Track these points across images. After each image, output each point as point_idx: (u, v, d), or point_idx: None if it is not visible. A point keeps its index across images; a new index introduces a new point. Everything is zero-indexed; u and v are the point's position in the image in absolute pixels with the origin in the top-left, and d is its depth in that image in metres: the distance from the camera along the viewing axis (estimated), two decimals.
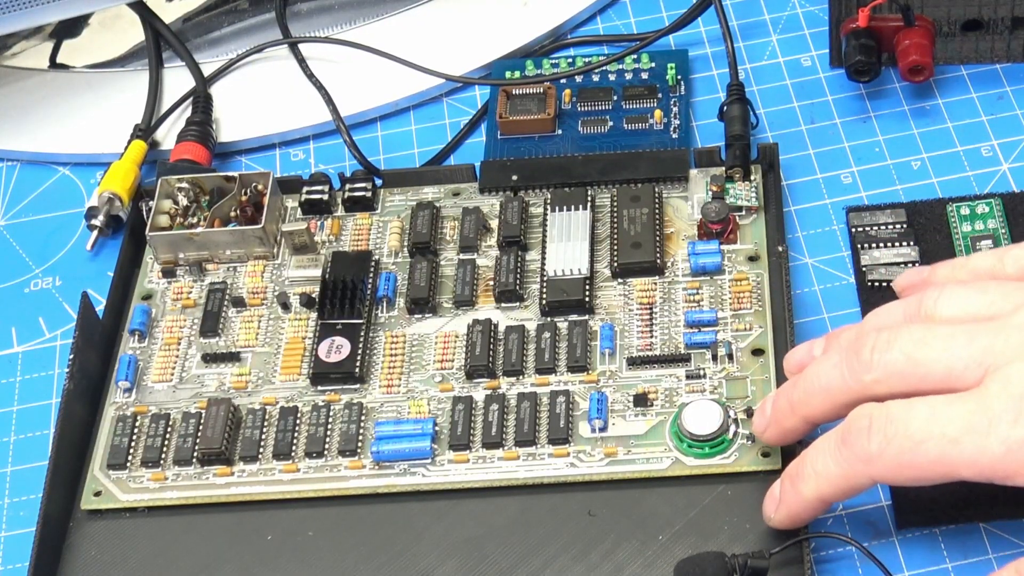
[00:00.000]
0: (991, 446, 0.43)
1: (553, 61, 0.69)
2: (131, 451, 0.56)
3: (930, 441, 0.44)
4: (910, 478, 0.45)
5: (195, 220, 0.62)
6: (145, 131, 0.69)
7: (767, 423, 0.50)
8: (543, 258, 0.59)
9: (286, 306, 0.59)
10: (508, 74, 0.69)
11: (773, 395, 0.51)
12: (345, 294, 0.58)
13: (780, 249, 0.57)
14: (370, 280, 0.59)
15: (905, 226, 0.60)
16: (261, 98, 0.71)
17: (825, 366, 0.48)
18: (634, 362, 0.55)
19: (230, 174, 0.62)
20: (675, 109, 0.66)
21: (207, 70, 0.72)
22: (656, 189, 0.60)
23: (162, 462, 0.55)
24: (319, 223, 0.62)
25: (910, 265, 0.58)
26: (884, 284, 0.57)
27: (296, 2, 0.75)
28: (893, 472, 0.45)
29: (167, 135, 0.69)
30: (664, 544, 0.51)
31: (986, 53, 0.65)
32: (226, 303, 0.60)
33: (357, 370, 0.56)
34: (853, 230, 0.60)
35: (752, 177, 0.61)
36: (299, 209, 0.63)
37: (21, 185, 0.70)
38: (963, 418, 0.44)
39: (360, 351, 0.57)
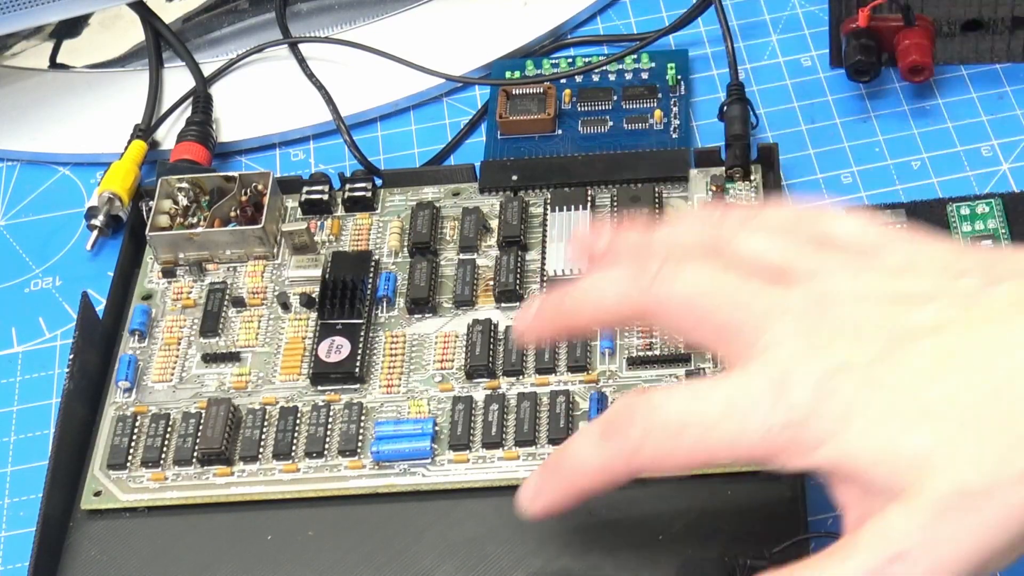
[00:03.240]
0: (749, 430, 0.41)
1: (553, 61, 0.69)
2: (131, 451, 0.56)
3: (689, 427, 0.42)
4: (673, 468, 0.43)
5: (195, 220, 0.62)
6: (145, 131, 0.69)
7: (528, 325, 0.48)
8: (543, 258, 0.59)
9: (286, 306, 0.59)
10: (508, 74, 0.69)
11: (540, 297, 0.48)
12: (345, 294, 0.58)
13: None
14: (370, 280, 0.59)
15: (905, 226, 0.60)
16: (261, 98, 0.71)
17: (606, 279, 0.45)
18: (634, 362, 0.55)
19: (230, 174, 0.62)
20: (675, 109, 0.66)
21: (207, 70, 0.72)
22: (656, 189, 0.60)
23: (162, 462, 0.55)
24: (319, 223, 0.62)
25: None
26: None
27: (296, 2, 0.75)
28: (656, 462, 0.43)
29: (167, 135, 0.69)
30: (664, 544, 0.51)
31: (986, 53, 0.65)
32: (226, 303, 0.60)
33: (357, 370, 0.56)
34: None
35: (752, 177, 0.61)
36: (299, 209, 0.63)
37: (21, 185, 0.70)
38: (722, 401, 0.41)
39: (360, 351, 0.57)
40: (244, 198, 0.62)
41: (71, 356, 0.57)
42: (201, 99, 0.69)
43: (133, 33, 0.75)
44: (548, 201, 0.61)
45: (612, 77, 0.68)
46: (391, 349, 0.57)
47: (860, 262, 0.42)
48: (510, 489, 0.53)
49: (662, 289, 0.43)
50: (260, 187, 0.62)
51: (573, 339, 0.49)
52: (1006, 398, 0.38)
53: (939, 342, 0.39)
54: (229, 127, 0.70)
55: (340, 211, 0.63)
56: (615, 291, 0.45)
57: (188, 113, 0.69)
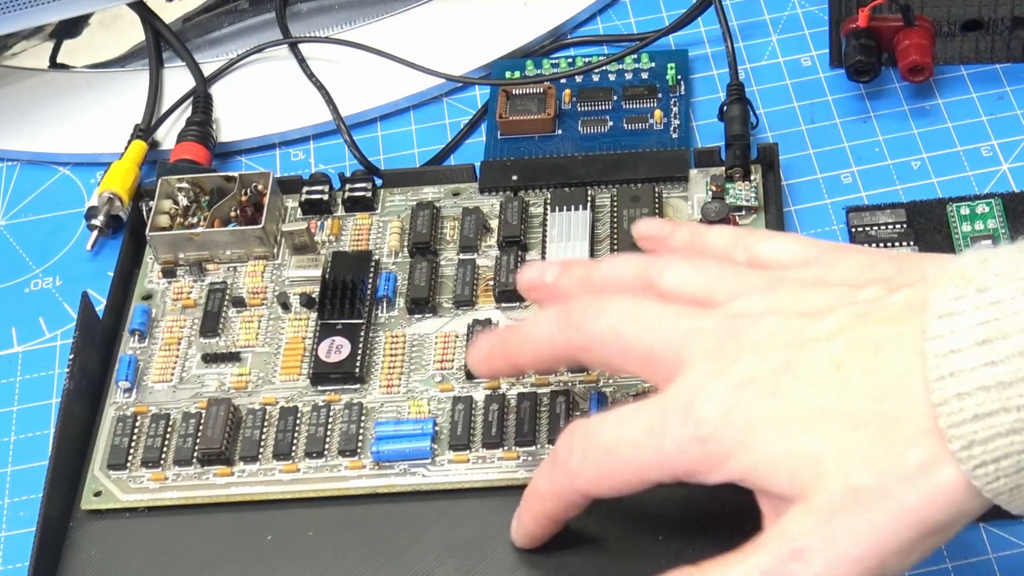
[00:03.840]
0: (666, 447, 0.43)
1: (553, 61, 0.69)
2: (131, 451, 0.56)
3: (619, 448, 0.44)
4: (612, 488, 0.46)
5: (195, 220, 0.62)
6: (145, 131, 0.69)
7: (480, 358, 0.51)
8: (543, 258, 0.59)
9: (286, 306, 0.59)
10: (508, 74, 0.69)
11: (494, 332, 0.51)
12: (345, 294, 0.58)
13: None
14: (370, 280, 0.59)
15: (905, 226, 0.60)
16: (261, 98, 0.71)
17: (541, 321, 0.48)
18: None
19: (230, 174, 0.62)
20: (675, 109, 0.66)
21: (207, 70, 0.72)
22: (656, 189, 0.60)
23: (162, 462, 0.55)
24: (319, 223, 0.62)
25: None
26: None
27: (296, 2, 0.75)
28: (595, 484, 0.46)
29: (167, 135, 0.69)
30: (664, 544, 0.51)
31: (986, 53, 0.66)
32: (226, 303, 0.60)
33: (357, 370, 0.56)
34: (853, 230, 0.60)
35: (752, 177, 0.61)
36: (299, 209, 0.63)
37: (21, 185, 0.70)
38: (646, 421, 0.44)
39: (360, 351, 0.57)
40: (244, 198, 0.62)
41: (71, 356, 0.57)
42: (201, 99, 0.69)
43: (133, 33, 0.75)
44: (548, 201, 0.61)
45: (612, 77, 0.68)
46: (391, 349, 0.57)
47: (776, 280, 0.45)
48: (510, 489, 0.53)
49: (588, 326, 0.46)
50: (260, 187, 0.62)
51: (516, 375, 0.54)
52: (895, 396, 0.40)
53: (834, 348, 0.41)
54: (229, 127, 0.70)
55: (340, 211, 0.63)
56: (548, 333, 0.47)
57: (188, 113, 0.69)
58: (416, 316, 0.58)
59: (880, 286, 0.42)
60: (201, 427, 0.56)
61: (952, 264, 0.41)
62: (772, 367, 0.42)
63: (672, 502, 0.52)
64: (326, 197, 0.62)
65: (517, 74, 0.69)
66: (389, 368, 0.57)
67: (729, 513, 0.51)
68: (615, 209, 0.60)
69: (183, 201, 0.62)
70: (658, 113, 0.66)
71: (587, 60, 0.68)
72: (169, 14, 0.75)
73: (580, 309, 0.46)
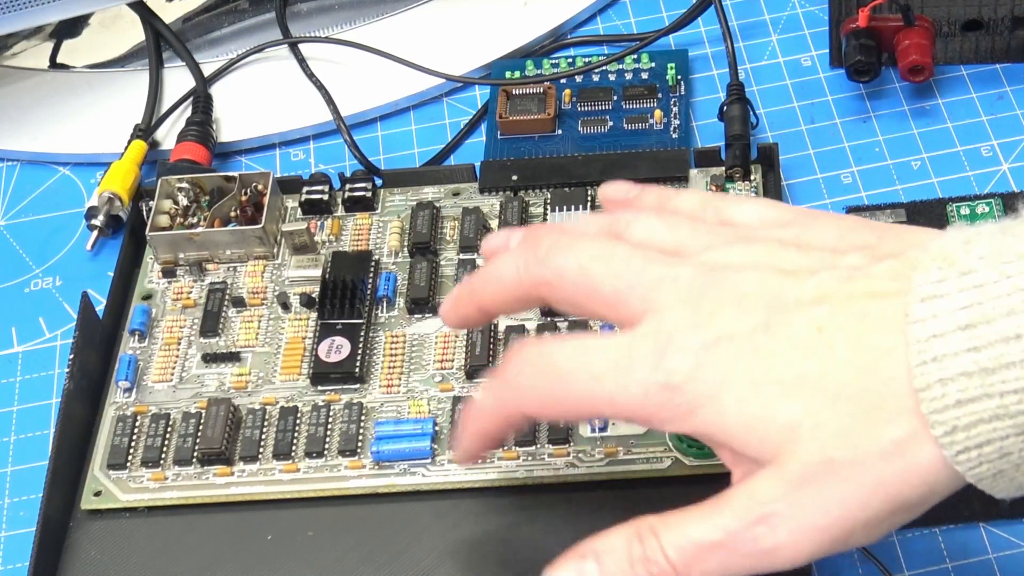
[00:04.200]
0: (630, 387, 0.42)
1: (553, 61, 0.69)
2: (131, 451, 0.56)
3: (575, 375, 0.43)
4: (559, 413, 0.45)
5: (195, 220, 0.62)
6: (145, 131, 0.69)
7: (448, 307, 0.49)
8: None
9: (286, 306, 0.59)
10: (508, 74, 0.69)
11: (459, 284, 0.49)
12: (345, 294, 0.58)
13: None
14: (370, 280, 0.59)
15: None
16: (261, 98, 0.71)
17: (506, 257, 0.46)
18: None
19: (230, 174, 0.62)
20: (675, 109, 0.66)
21: (207, 70, 0.72)
22: None
23: (162, 462, 0.55)
24: (319, 223, 0.62)
25: None
26: None
27: (296, 2, 0.75)
28: (541, 406, 0.44)
29: (167, 135, 0.69)
30: None
31: (986, 53, 0.66)
32: (226, 303, 0.60)
33: (357, 370, 0.56)
34: None
35: (752, 177, 0.61)
36: (299, 209, 0.63)
37: (21, 185, 0.70)
38: (610, 356, 0.42)
39: (360, 351, 0.57)
40: (244, 198, 0.62)
41: (71, 356, 0.57)
42: (201, 99, 0.69)
43: (133, 33, 0.75)
44: (548, 201, 0.61)
45: (612, 77, 0.68)
46: (391, 349, 0.57)
47: (752, 237, 0.44)
48: (510, 489, 0.53)
49: (555, 261, 0.44)
50: (260, 187, 0.62)
51: (490, 320, 0.51)
52: (878, 374, 0.39)
53: (817, 314, 0.40)
54: (229, 127, 0.70)
55: (340, 211, 0.63)
56: (513, 268, 0.46)
57: (188, 113, 0.69)
58: (416, 316, 0.58)
59: (863, 253, 0.42)
60: (201, 427, 0.56)
61: (934, 243, 0.40)
62: (751, 325, 0.41)
63: (673, 503, 0.52)
64: (326, 197, 0.62)
65: (517, 74, 0.69)
66: (389, 368, 0.57)
67: None
68: None
69: (183, 201, 0.62)
70: (658, 113, 0.66)
71: (587, 60, 0.68)
72: (169, 14, 0.75)
73: (547, 244, 0.45)
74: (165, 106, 0.71)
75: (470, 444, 0.47)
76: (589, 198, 0.60)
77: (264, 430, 0.56)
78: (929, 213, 0.60)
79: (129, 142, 0.68)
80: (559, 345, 0.44)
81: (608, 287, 0.43)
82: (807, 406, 0.40)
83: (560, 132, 0.66)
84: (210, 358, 0.58)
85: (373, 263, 0.60)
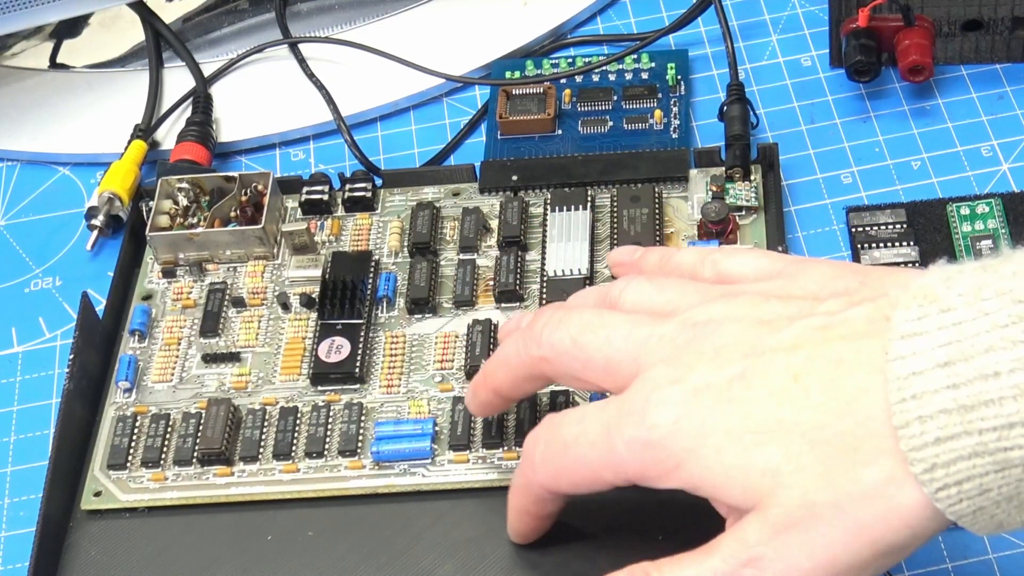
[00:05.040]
0: (617, 447, 0.43)
1: (553, 61, 0.69)
2: (131, 451, 0.56)
3: (575, 445, 0.45)
4: (570, 484, 0.46)
5: (195, 220, 0.62)
6: (145, 131, 0.69)
7: (469, 398, 0.51)
8: (543, 258, 0.59)
9: (286, 306, 0.59)
10: (508, 74, 0.69)
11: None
12: (345, 294, 0.58)
13: (780, 249, 0.57)
14: (370, 280, 0.59)
15: (905, 226, 0.60)
16: (261, 98, 0.71)
17: (509, 341, 0.48)
18: None
19: (230, 174, 0.62)
20: (675, 109, 0.66)
21: (207, 70, 0.72)
22: (656, 189, 0.60)
23: (162, 462, 0.55)
24: (319, 223, 0.62)
25: (911, 265, 0.58)
26: None
27: (296, 2, 0.75)
28: (553, 479, 0.46)
29: (167, 135, 0.69)
30: (664, 544, 0.51)
31: (986, 53, 0.66)
32: (226, 303, 0.60)
33: (357, 370, 0.56)
34: (853, 230, 0.60)
35: (752, 177, 0.60)
36: (299, 209, 0.63)
37: (21, 185, 0.70)
38: (603, 420, 0.44)
39: (360, 351, 0.57)
40: (244, 198, 0.62)
41: (71, 356, 0.57)
42: (201, 99, 0.69)
43: (133, 33, 0.75)
44: (548, 201, 0.61)
45: (612, 77, 0.68)
46: (391, 349, 0.57)
47: (737, 292, 0.45)
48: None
49: (549, 337, 0.46)
50: (260, 187, 0.62)
51: (508, 407, 0.53)
52: (855, 415, 0.40)
53: (793, 360, 0.41)
54: (229, 127, 0.70)
55: (340, 211, 0.63)
56: (515, 349, 0.48)
57: (188, 113, 0.69)
58: (416, 316, 0.58)
59: (841, 300, 0.42)
60: (201, 427, 0.56)
61: (916, 281, 0.40)
62: (728, 376, 0.42)
63: (673, 503, 0.52)
64: (326, 197, 0.62)
65: (517, 74, 0.69)
66: (389, 368, 0.57)
67: None
68: (615, 209, 0.60)
69: (183, 201, 0.62)
70: (658, 113, 0.66)
71: (587, 60, 0.68)
72: (169, 14, 0.75)
73: (541, 323, 0.47)
74: (165, 106, 0.71)
75: (515, 522, 0.50)
76: (589, 198, 0.60)
77: (264, 430, 0.56)
78: (929, 213, 0.60)
79: (129, 142, 0.68)
80: (566, 415, 0.46)
81: (600, 355, 0.45)
82: (786, 451, 0.40)
83: (560, 132, 0.66)
84: (210, 358, 0.58)
85: (373, 263, 0.60)
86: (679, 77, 0.67)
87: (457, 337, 0.57)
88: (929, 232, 0.59)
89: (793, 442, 0.40)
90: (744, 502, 0.41)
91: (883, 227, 0.60)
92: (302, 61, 0.71)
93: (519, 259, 0.59)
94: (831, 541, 0.40)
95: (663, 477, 0.43)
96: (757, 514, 0.41)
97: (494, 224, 0.61)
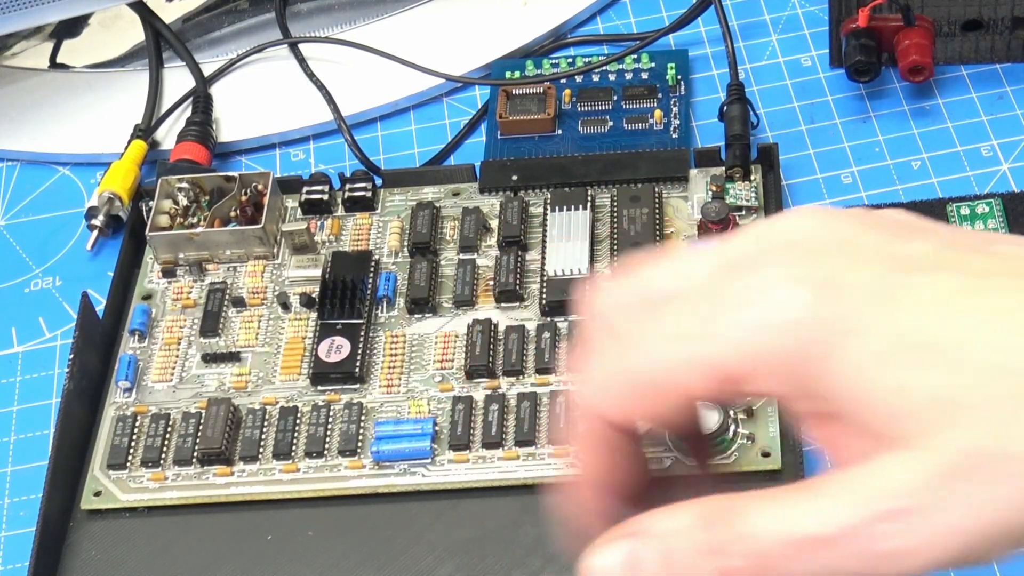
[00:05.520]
0: (724, 331, 0.33)
1: (553, 61, 0.69)
2: (131, 451, 0.56)
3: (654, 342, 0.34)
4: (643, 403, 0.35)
5: (195, 220, 0.62)
6: (145, 131, 0.69)
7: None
8: (543, 258, 0.59)
9: (286, 306, 0.59)
10: (508, 74, 0.69)
11: None
12: (345, 294, 0.58)
13: None
14: (370, 280, 0.59)
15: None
16: (261, 98, 0.71)
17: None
18: None
19: (230, 174, 0.62)
20: (675, 109, 0.66)
21: (207, 70, 0.72)
22: (656, 189, 0.60)
23: (162, 462, 0.55)
24: (319, 223, 0.62)
25: None
26: None
27: (296, 2, 0.75)
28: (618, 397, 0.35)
29: (167, 135, 0.69)
30: None
31: (986, 53, 0.65)
32: (226, 303, 0.60)
33: (357, 370, 0.56)
34: None
35: (752, 177, 0.60)
36: (299, 209, 0.63)
37: (21, 185, 0.70)
38: (696, 311, 0.33)
39: (360, 351, 0.57)
40: (244, 198, 0.62)
41: (71, 356, 0.57)
42: (201, 99, 0.69)
43: (133, 33, 0.75)
44: (548, 201, 0.61)
45: (612, 77, 0.68)
46: (391, 349, 0.57)
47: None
48: (510, 489, 0.53)
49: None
50: (260, 187, 0.62)
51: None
52: None
53: (944, 279, 0.32)
54: (229, 127, 0.70)
55: (340, 211, 0.63)
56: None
57: (188, 113, 0.69)
58: (416, 316, 0.58)
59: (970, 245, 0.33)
60: (201, 427, 0.56)
61: None
62: (870, 275, 0.32)
63: (672, 502, 0.52)
64: (326, 197, 0.62)
65: (517, 74, 0.69)
66: (389, 368, 0.57)
67: None
68: (615, 209, 0.60)
69: (183, 201, 0.62)
70: (658, 113, 0.66)
71: (587, 60, 0.68)
72: (169, 14, 0.75)
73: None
74: (165, 106, 0.71)
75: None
76: (589, 198, 0.60)
77: (264, 430, 0.56)
78: (929, 213, 0.60)
79: (129, 142, 0.68)
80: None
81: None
82: (957, 380, 0.31)
83: (560, 132, 0.66)
84: (210, 358, 0.58)
85: (373, 263, 0.60)
86: (679, 77, 0.67)
87: (457, 337, 0.57)
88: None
89: (965, 372, 0.31)
90: (890, 430, 0.31)
91: None
92: (302, 61, 0.71)
93: (519, 259, 0.59)
94: (1005, 499, 0.30)
95: (784, 373, 0.32)
96: (909, 453, 0.31)
97: (494, 224, 0.61)
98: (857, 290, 0.32)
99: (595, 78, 0.68)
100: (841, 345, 0.31)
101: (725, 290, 0.33)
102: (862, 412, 0.32)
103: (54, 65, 0.75)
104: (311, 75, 0.70)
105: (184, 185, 0.62)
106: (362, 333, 0.57)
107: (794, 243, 0.33)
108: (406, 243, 0.61)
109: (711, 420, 0.52)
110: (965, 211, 0.60)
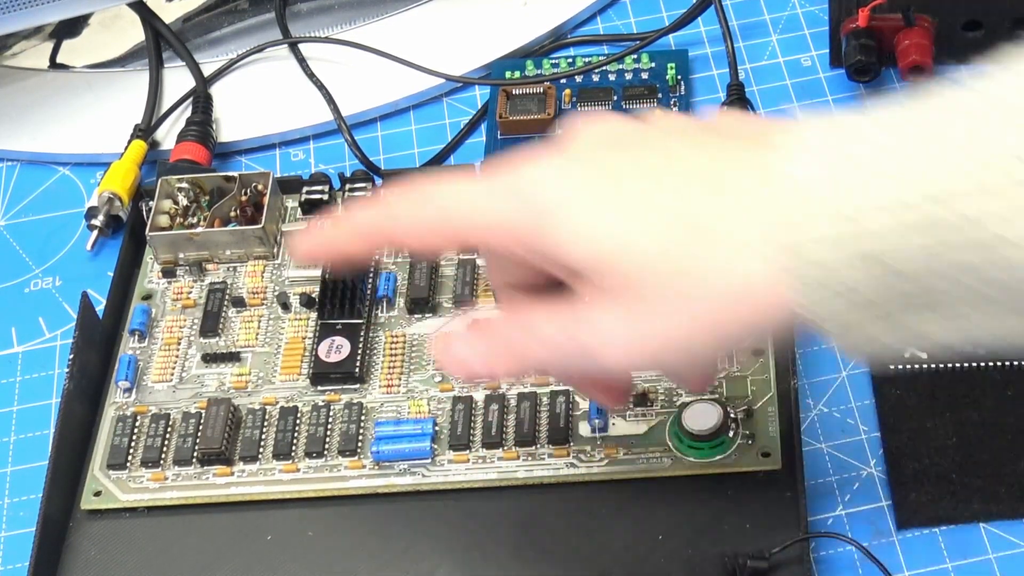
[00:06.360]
0: (494, 196, 0.43)
1: (553, 61, 0.69)
2: (131, 451, 0.56)
3: (432, 200, 0.45)
4: (421, 236, 0.45)
5: (195, 220, 0.62)
6: (145, 131, 0.69)
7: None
8: None
9: (286, 306, 0.59)
10: (508, 74, 0.69)
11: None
12: (345, 294, 0.58)
13: None
14: (370, 280, 0.59)
15: None
16: (261, 98, 0.71)
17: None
18: None
19: (230, 174, 0.62)
20: (675, 109, 0.66)
21: (207, 70, 0.72)
22: None
23: (162, 462, 0.55)
24: (319, 223, 0.62)
25: None
26: None
27: (296, 2, 0.75)
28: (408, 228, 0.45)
29: (167, 135, 0.69)
30: (664, 544, 0.51)
31: (986, 53, 0.65)
32: (226, 303, 0.60)
33: (357, 370, 0.56)
34: None
35: None
36: (299, 209, 0.63)
37: (21, 185, 0.70)
38: (460, 190, 0.44)
39: (360, 351, 0.57)
40: (244, 198, 0.62)
41: (71, 356, 0.57)
42: (201, 99, 0.69)
43: (133, 33, 0.75)
44: None
45: (612, 77, 0.68)
46: (391, 349, 0.57)
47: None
48: (510, 489, 0.53)
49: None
50: (260, 187, 0.62)
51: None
52: (724, 201, 0.40)
53: (677, 146, 0.42)
54: (229, 127, 0.70)
55: (340, 211, 0.63)
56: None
57: (188, 113, 0.69)
58: (416, 316, 0.58)
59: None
60: (201, 427, 0.56)
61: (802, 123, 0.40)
62: (608, 155, 0.42)
63: (672, 502, 0.52)
64: (326, 197, 0.62)
65: (517, 74, 0.69)
66: (389, 368, 0.57)
67: (729, 513, 0.51)
68: None
69: (183, 201, 0.62)
70: None
71: (587, 60, 0.68)
72: (169, 14, 0.75)
73: None
74: (165, 106, 0.71)
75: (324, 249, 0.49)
76: None
77: (264, 430, 0.56)
78: None
79: (129, 142, 0.68)
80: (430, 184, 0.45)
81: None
82: (646, 226, 0.40)
83: (560, 132, 0.66)
84: (210, 358, 0.58)
85: (373, 263, 0.60)
86: (679, 77, 0.67)
87: None
88: None
89: (656, 219, 0.40)
90: (592, 270, 0.41)
91: None
92: (302, 61, 0.71)
93: None
94: (676, 324, 0.40)
95: (525, 231, 0.42)
96: (599, 283, 0.41)
97: None
98: (583, 164, 0.42)
99: (595, 78, 0.68)
100: (562, 206, 0.41)
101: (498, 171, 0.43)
102: (574, 258, 0.41)
103: (54, 65, 0.75)
104: (311, 75, 0.70)
105: (184, 185, 0.62)
106: (362, 333, 0.57)
107: (564, 140, 0.43)
108: None
109: (711, 420, 0.52)
110: None
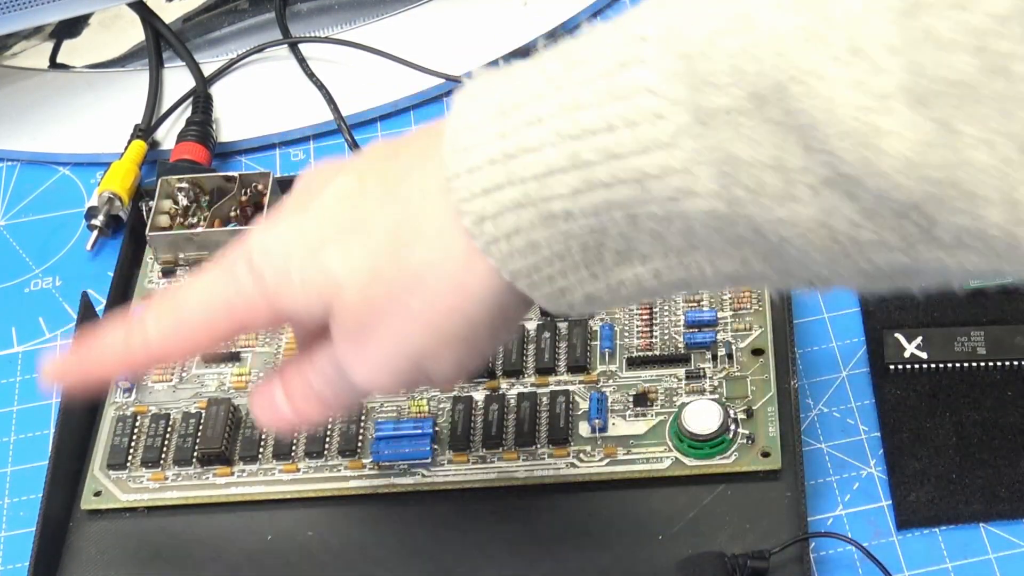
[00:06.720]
0: (237, 273, 0.43)
1: None
2: (131, 451, 0.56)
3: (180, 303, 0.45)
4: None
5: (195, 220, 0.62)
6: (145, 131, 0.69)
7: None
8: None
9: None
10: None
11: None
12: None
13: None
14: None
15: None
16: (261, 98, 0.71)
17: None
18: (634, 362, 0.55)
19: (230, 174, 0.62)
20: None
21: (207, 70, 0.72)
22: None
23: (162, 462, 0.55)
24: None
25: None
26: None
27: (296, 2, 0.75)
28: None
29: (167, 135, 0.69)
30: (664, 544, 0.51)
31: None
32: None
33: None
34: None
35: None
36: None
37: (21, 185, 0.70)
38: (205, 281, 0.44)
39: None
40: (244, 198, 0.62)
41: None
42: (201, 99, 0.69)
43: (133, 33, 0.75)
44: None
45: None
46: None
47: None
48: (510, 489, 0.53)
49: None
50: (260, 187, 0.62)
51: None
52: (410, 198, 0.40)
53: (361, 168, 0.42)
54: (229, 127, 0.70)
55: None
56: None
57: (188, 113, 0.69)
58: None
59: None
60: (201, 427, 0.56)
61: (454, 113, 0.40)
62: (305, 200, 0.42)
63: (672, 502, 0.52)
64: None
65: None
66: None
67: (729, 513, 0.51)
68: None
69: (183, 201, 0.62)
70: None
71: None
72: (169, 14, 0.75)
73: None
74: (165, 106, 0.71)
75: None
76: None
77: (264, 430, 0.56)
78: None
79: (129, 142, 0.68)
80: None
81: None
82: (344, 251, 0.41)
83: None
84: (210, 358, 0.58)
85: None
86: None
87: None
88: None
89: (351, 240, 0.41)
90: (321, 311, 0.41)
91: None
92: (302, 61, 0.71)
93: None
94: (396, 331, 0.40)
95: (266, 300, 0.42)
96: (332, 321, 0.41)
97: None
98: (287, 217, 0.43)
99: None
100: (283, 267, 0.42)
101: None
102: (309, 314, 0.42)
103: (54, 65, 0.75)
104: (311, 75, 0.70)
105: (184, 185, 0.62)
106: None
107: (288, 197, 0.44)
108: None
109: (711, 420, 0.52)
110: None
